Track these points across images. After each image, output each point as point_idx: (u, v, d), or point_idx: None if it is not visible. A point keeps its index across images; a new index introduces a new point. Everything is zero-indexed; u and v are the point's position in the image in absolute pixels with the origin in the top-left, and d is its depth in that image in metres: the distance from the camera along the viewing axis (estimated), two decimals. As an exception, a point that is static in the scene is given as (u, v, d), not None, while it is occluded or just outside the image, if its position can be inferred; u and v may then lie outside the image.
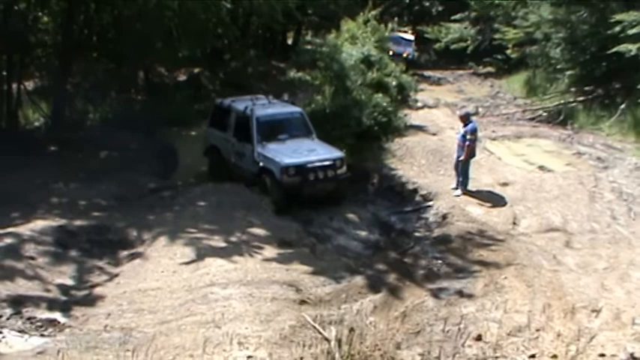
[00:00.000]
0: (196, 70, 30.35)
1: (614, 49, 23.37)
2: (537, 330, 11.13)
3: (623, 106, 24.34)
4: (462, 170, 17.96)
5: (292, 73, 21.46)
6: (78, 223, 15.40)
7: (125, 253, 14.48)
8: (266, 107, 18.68)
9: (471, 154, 17.99)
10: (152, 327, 11.13)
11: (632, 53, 22.43)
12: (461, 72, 41.58)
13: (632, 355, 9.38)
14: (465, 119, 18.26)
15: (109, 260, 14.13)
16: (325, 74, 21.13)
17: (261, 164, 17.44)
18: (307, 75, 21.43)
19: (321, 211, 17.13)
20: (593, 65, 26.84)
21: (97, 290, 12.71)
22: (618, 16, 23.32)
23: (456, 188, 18.00)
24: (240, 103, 18.84)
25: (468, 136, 17.76)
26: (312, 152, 17.51)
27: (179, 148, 20.85)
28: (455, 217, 16.58)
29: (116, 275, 13.35)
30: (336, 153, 17.62)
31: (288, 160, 16.98)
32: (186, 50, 26.54)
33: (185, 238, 14.51)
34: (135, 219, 15.80)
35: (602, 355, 9.70)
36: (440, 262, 14.45)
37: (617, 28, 23.26)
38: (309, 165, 17.03)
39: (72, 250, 14.29)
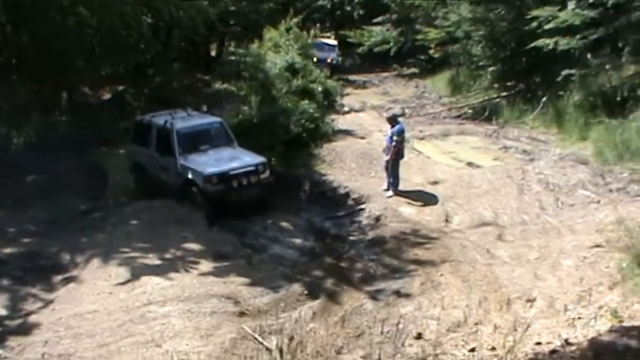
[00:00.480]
0: (120, 88, 29.81)
1: (533, 45, 23.85)
2: (475, 324, 11.29)
3: (544, 99, 24.84)
4: (392, 171, 18.10)
5: (217, 85, 21.42)
6: (8, 250, 15.17)
7: (59, 277, 14.20)
8: (185, 120, 18.83)
9: (400, 155, 18.15)
10: (91, 351, 10.97)
11: (550, 47, 22.91)
12: (385, 74, 41.93)
13: (566, 340, 9.57)
14: (392, 121, 18.43)
15: (42, 286, 13.82)
16: (250, 84, 21.10)
17: (185, 176, 17.59)
18: (233, 86, 21.37)
19: (255, 221, 17.14)
20: (513, 61, 27.36)
21: (32, 318, 12.45)
22: (534, 12, 23.78)
23: (387, 190, 18.15)
24: (160, 118, 18.96)
25: (395, 138, 17.91)
26: (234, 160, 17.74)
27: (108, 167, 20.58)
28: (388, 219, 16.65)
29: (51, 301, 13.09)
30: (258, 159, 17.87)
31: (210, 170, 17.20)
32: (108, 68, 26.30)
33: (119, 259, 14.35)
34: (67, 242, 15.54)
35: (539, 343, 9.87)
36: (376, 264, 14.46)
37: (534, 24, 23.69)
38: (232, 172, 17.26)
39: (3, 279, 14.03)
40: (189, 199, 17.29)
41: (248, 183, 17.40)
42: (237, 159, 17.81)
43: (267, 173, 17.77)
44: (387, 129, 18.54)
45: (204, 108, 20.69)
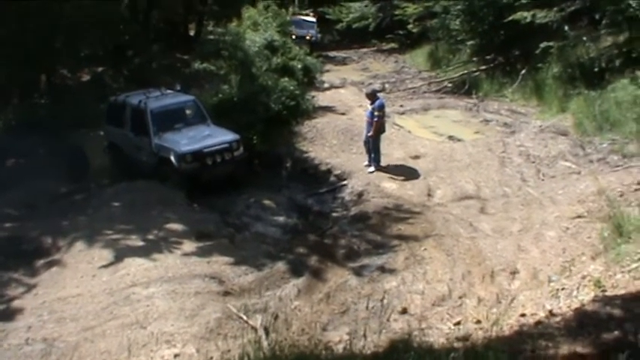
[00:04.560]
0: (100, 69, 29.48)
1: (511, 18, 23.73)
2: (460, 297, 11.29)
3: (523, 72, 24.79)
4: (373, 147, 17.99)
5: (197, 65, 21.03)
6: (-12, 235, 14.87)
7: (41, 262, 14.04)
8: (159, 99, 18.83)
9: (381, 129, 18.03)
10: (75, 335, 10.88)
11: (528, 20, 22.82)
12: (365, 50, 41.75)
13: (550, 311, 9.52)
14: (372, 97, 18.22)
15: (24, 271, 13.68)
16: (230, 63, 20.91)
17: (159, 155, 17.65)
18: (212, 65, 21.09)
19: (237, 200, 17.09)
20: (492, 34, 27.22)
21: (15, 303, 12.34)
22: (512, -15, 23.73)
23: (369, 165, 18.04)
24: (134, 98, 19.04)
25: (376, 113, 17.76)
26: (207, 137, 17.78)
27: (88, 149, 20.25)
28: (370, 194, 16.56)
29: (34, 286, 12.95)
30: (231, 135, 17.91)
31: (184, 148, 17.25)
32: (87, 49, 25.81)
33: (102, 241, 14.22)
34: (48, 226, 15.38)
35: (523, 314, 9.81)
36: (359, 239, 14.40)
37: (512, -3, 23.65)
38: (206, 150, 17.32)
39: (-16, 265, 13.77)
40: (164, 178, 17.24)
41: (222, 160, 17.46)
42: (211, 137, 17.84)
43: (241, 150, 17.84)
44: (368, 105, 18.34)
45: (178, 87, 20.39)
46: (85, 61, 27.26)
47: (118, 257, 13.37)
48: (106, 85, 26.94)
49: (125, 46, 28.98)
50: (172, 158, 17.25)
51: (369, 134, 17.92)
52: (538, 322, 9.12)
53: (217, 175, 17.50)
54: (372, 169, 17.91)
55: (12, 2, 22.14)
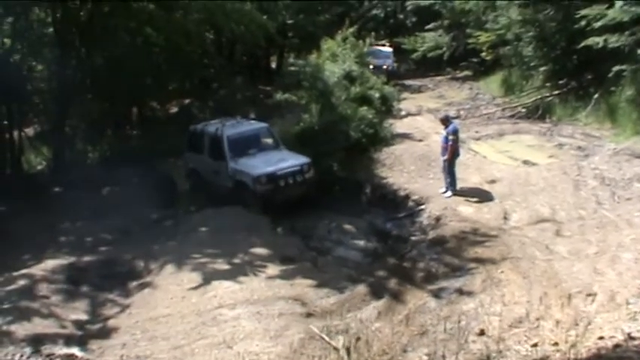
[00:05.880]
0: (187, 101, 30.22)
1: (583, 44, 23.33)
2: (537, 319, 10.96)
3: (596, 95, 24.28)
4: (449, 171, 17.81)
5: (279, 95, 21.19)
6: (87, 258, 15.45)
7: (134, 283, 14.43)
8: (235, 126, 19.65)
9: (455, 153, 17.86)
10: (166, 353, 11.06)
11: (600, 45, 22.38)
12: (439, 78, 41.45)
13: (629, 335, 9.23)
14: (446, 122, 18.15)
15: (119, 292, 14.08)
16: (310, 93, 21.02)
17: (235, 178, 18.32)
18: (293, 95, 21.21)
19: (319, 224, 17.25)
20: (564, 59, 26.80)
21: (111, 322, 12.66)
22: (583, 12, 23.29)
23: (446, 190, 17.86)
24: (212, 126, 19.89)
25: (450, 137, 17.65)
26: (280, 161, 18.30)
27: (176, 177, 20.85)
28: (448, 218, 16.40)
29: (127, 306, 13.30)
30: (303, 159, 18.40)
31: (259, 171, 17.83)
32: (175, 83, 26.43)
33: (190, 264, 14.49)
34: (141, 250, 15.77)
35: (601, 337, 9.52)
36: (437, 263, 14.25)
37: (583, 23, 23.21)
38: (279, 172, 17.84)
39: (83, 286, 14.28)
40: (240, 199, 17.75)
41: (294, 182, 17.93)
42: (284, 160, 18.35)
43: (311, 172, 18.26)
44: (443, 130, 18.20)
45: (252, 115, 20.83)
46: (172, 94, 27.96)
47: (206, 280, 13.57)
48: (193, 116, 27.50)
49: (210, 79, 29.66)
50: (248, 181, 17.87)
51: (445, 158, 17.76)
52: (616, 346, 8.86)
53: (290, 195, 17.87)
54: (449, 193, 17.73)
55: (106, 44, 22.90)
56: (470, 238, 15.01)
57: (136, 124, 27.90)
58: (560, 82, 27.55)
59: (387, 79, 26.16)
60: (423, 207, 17.70)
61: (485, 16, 34.04)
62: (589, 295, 11.50)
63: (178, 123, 26.14)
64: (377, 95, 22.29)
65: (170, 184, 20.52)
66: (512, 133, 24.52)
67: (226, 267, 14.25)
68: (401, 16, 48.37)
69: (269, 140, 19.66)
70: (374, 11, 48.30)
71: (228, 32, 26.90)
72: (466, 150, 20.41)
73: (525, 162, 20.49)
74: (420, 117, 28.63)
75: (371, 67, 25.86)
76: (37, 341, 11.62)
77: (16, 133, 23.00)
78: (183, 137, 20.92)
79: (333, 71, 21.60)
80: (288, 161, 18.32)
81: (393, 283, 13.51)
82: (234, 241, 15.52)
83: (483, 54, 35.86)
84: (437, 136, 21.79)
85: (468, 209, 16.88)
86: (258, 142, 19.49)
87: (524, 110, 27.58)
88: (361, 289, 13.20)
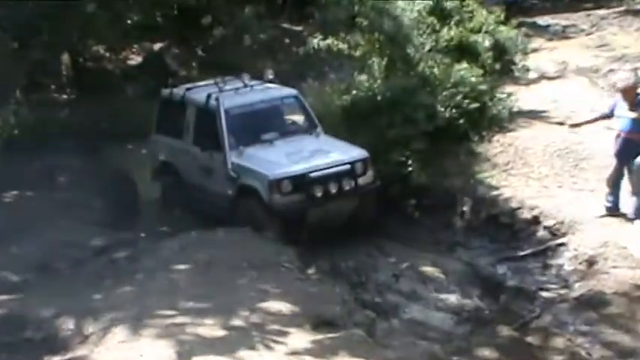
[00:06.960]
0: (158, 46, 23.42)
1: None
2: None
3: None
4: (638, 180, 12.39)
5: (316, 41, 16.34)
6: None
7: (56, 359, 10.01)
8: (239, 94, 14.22)
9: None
10: None
11: None
12: (602, 12, 29.93)
13: None
14: (633, 94, 12.33)
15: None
16: (371, 39, 15.81)
17: (239, 181, 13.27)
18: (342, 42, 16.19)
19: (378, 264, 12.90)
20: None
21: None
22: None
23: (635, 217, 12.46)
24: (200, 92, 14.46)
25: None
26: (316, 154, 13.29)
27: (137, 175, 15.82)
28: (609, 262, 11.86)
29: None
30: (355, 152, 13.30)
31: (280, 170, 12.84)
32: (137, 14, 19.99)
33: (157, 328, 10.09)
34: (70, 301, 11.29)
35: None
36: (591, 340, 10.58)
37: None
38: (314, 174, 12.76)
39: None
40: (246, 217, 12.94)
41: (339, 191, 12.87)
42: (322, 153, 13.27)
43: (369, 175, 13.16)
44: (618, 107, 12.47)
45: (270, 75, 15.29)
46: (133, 33, 20.90)
47: (183, 355, 9.36)
48: (168, 72, 21.06)
49: (199, 11, 22.60)
50: (260, 186, 12.83)
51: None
52: None
53: (332, 213, 12.93)
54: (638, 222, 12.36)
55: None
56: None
57: (67, 84, 21.13)
58: None
59: (505, 16, 19.60)
60: (563, 240, 13.00)
61: None
62: None
63: (142, 84, 19.94)
64: (487, 44, 16.91)
65: (126, 187, 15.54)
66: None
67: (219, 333, 10.04)
68: None
69: (298, 118, 14.52)
70: None
71: None
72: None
73: None
74: (563, 82, 21.90)
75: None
76: None
77: None
78: (150, 109, 15.69)
79: (410, 3, 16.25)
80: (331, 155, 13.12)
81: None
82: (233, 287, 11.24)
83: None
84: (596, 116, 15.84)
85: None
86: (279, 122, 14.22)
87: None
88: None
